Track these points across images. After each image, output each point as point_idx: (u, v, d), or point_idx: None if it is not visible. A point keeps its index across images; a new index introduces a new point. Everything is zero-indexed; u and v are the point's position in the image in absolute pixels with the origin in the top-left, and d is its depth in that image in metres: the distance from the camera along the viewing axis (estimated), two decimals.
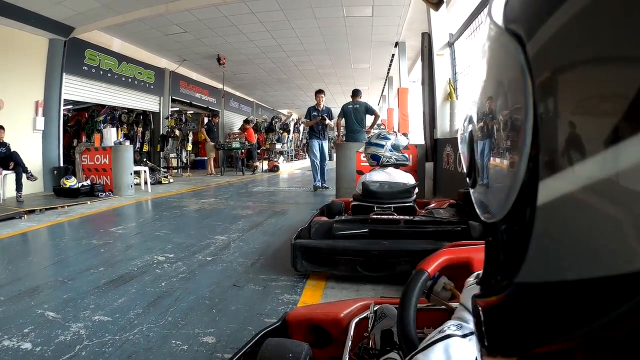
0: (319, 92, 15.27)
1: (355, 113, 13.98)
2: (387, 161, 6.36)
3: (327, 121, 14.88)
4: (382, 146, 6.38)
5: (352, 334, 2.47)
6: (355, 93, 14.37)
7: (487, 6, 0.73)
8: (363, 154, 7.25)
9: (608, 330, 0.45)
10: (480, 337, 0.74)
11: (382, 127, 19.28)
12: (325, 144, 15.03)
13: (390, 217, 5.55)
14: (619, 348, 0.46)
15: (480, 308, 0.74)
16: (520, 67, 0.57)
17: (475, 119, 0.78)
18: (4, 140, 12.11)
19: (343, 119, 14.20)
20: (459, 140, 0.90)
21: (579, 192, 0.48)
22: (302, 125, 35.00)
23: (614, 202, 0.45)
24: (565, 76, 0.52)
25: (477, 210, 0.78)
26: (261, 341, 2.53)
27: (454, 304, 2.20)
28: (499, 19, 0.66)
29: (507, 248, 0.67)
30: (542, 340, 0.57)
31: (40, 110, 14.72)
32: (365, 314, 2.53)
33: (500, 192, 0.65)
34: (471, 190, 0.83)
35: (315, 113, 14.98)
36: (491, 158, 0.71)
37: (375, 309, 2.50)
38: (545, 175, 0.54)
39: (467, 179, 0.84)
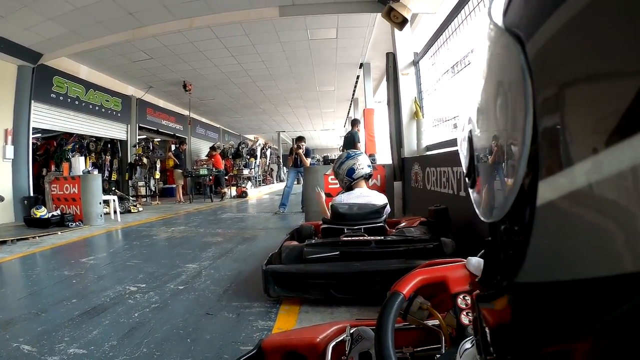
0: (298, 139, 16.32)
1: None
2: (362, 171, 6.35)
3: (302, 157, 15.67)
4: (356, 159, 6.40)
5: (329, 358, 2.48)
6: (353, 123, 16.01)
7: (487, 6, 0.74)
8: (331, 177, 7.20)
9: (608, 330, 0.47)
10: (480, 338, 0.77)
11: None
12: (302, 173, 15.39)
13: (361, 238, 5.54)
14: (619, 348, 0.46)
15: (480, 308, 0.78)
16: (520, 67, 0.58)
17: (474, 119, 0.79)
18: None
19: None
20: (458, 140, 0.91)
21: (578, 193, 0.49)
22: (268, 151, 35.03)
23: (613, 202, 0.45)
24: (565, 76, 0.53)
25: (477, 211, 0.79)
26: None
27: (430, 322, 2.23)
28: (498, 19, 0.67)
29: (507, 248, 0.68)
30: (541, 341, 0.58)
31: (10, 138, 14.58)
32: (341, 337, 2.53)
33: (500, 192, 0.67)
34: (470, 191, 0.84)
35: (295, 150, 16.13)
36: (491, 159, 0.72)
37: (351, 331, 2.50)
38: (544, 176, 0.55)
39: (467, 179, 0.85)
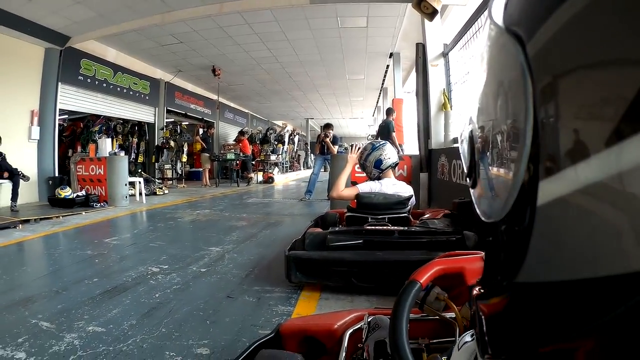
0: (326, 126, 16.24)
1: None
2: (390, 161, 6.29)
3: (330, 144, 15.64)
4: (382, 149, 6.34)
5: (346, 345, 2.46)
6: (388, 112, 16.05)
7: (487, 6, 0.73)
8: (358, 165, 7.17)
9: (608, 330, 0.46)
10: (480, 338, 0.76)
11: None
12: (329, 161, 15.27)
13: (385, 227, 5.52)
14: (619, 348, 0.46)
15: (480, 308, 0.76)
16: (520, 67, 0.58)
17: (475, 119, 0.79)
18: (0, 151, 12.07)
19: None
20: (459, 140, 0.91)
21: (579, 193, 0.49)
22: (296, 137, 35.02)
23: (613, 202, 0.45)
24: (565, 76, 0.52)
25: (477, 211, 0.79)
26: (255, 353, 2.52)
27: (447, 315, 2.21)
28: (499, 19, 0.67)
29: (507, 248, 0.67)
30: (541, 340, 0.57)
31: (36, 119, 14.69)
32: (359, 325, 2.52)
33: (501, 192, 0.66)
34: (471, 191, 0.83)
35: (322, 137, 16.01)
36: (491, 158, 0.71)
37: (369, 320, 2.49)
38: (545, 176, 0.54)
39: (468, 179, 0.84)
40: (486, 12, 0.74)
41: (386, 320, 2.07)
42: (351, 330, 2.54)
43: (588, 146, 0.47)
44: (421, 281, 1.86)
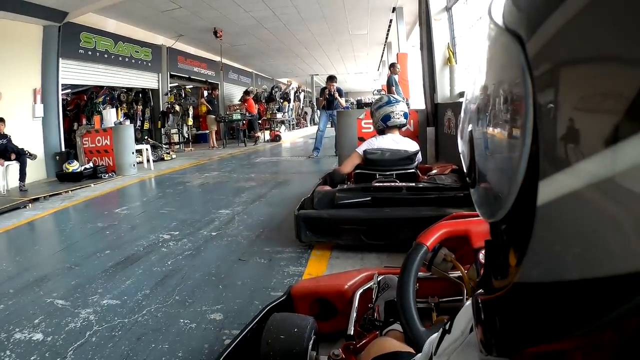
0: (330, 79, 15.96)
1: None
2: (397, 121, 6.29)
3: (338, 97, 15.49)
4: (394, 106, 6.32)
5: (356, 305, 2.48)
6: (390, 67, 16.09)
7: (487, 6, 0.73)
8: (364, 121, 7.10)
9: (607, 330, 0.46)
10: (480, 337, 0.76)
11: (382, 92, 19.19)
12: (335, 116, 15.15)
13: (393, 184, 5.54)
14: (618, 349, 0.46)
15: (481, 307, 0.76)
16: (520, 67, 0.57)
17: (475, 119, 0.78)
18: (5, 132, 12.13)
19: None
20: (458, 139, 0.90)
21: (579, 192, 0.48)
22: (302, 94, 34.91)
23: (614, 202, 0.44)
24: (565, 76, 0.52)
25: (477, 210, 0.78)
26: (267, 316, 2.55)
27: (454, 274, 2.22)
28: (498, 18, 0.67)
29: (507, 248, 0.67)
30: (540, 340, 0.57)
31: (39, 97, 14.65)
32: (369, 285, 2.54)
33: (500, 192, 0.65)
34: (471, 190, 0.82)
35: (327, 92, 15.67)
36: (491, 157, 0.72)
37: (378, 279, 2.51)
38: (545, 175, 0.54)
39: (467, 179, 0.83)
40: (486, 10, 0.73)
41: (395, 279, 2.09)
42: (361, 291, 2.57)
43: (588, 146, 0.47)
44: (427, 244, 1.87)
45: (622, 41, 0.44)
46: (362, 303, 2.53)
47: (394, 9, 18.54)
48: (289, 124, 31.08)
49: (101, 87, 19.33)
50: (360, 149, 6.22)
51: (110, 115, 14.70)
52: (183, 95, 22.76)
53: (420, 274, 2.04)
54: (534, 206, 0.55)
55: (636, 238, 0.42)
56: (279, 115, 27.80)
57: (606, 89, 0.46)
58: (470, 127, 0.80)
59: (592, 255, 0.47)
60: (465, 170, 0.84)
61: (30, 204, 9.78)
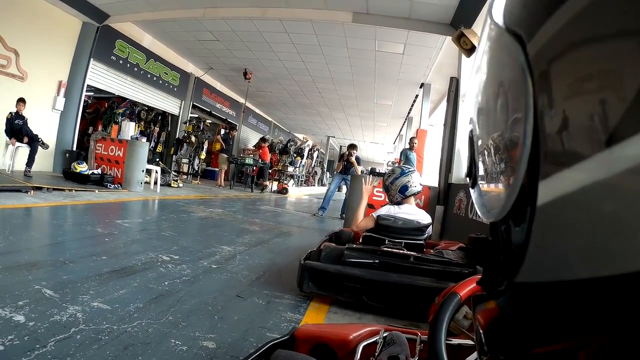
0: (351, 146, 16.31)
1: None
2: (414, 189, 6.30)
3: (355, 164, 15.81)
4: (410, 176, 6.35)
5: (359, 357, 2.44)
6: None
7: (488, 6, 0.75)
8: (377, 189, 7.12)
9: (607, 330, 0.46)
10: (479, 338, 0.77)
11: (395, 164, 19.39)
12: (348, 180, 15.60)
13: (401, 251, 5.53)
14: (618, 348, 0.46)
15: (480, 308, 0.78)
16: (520, 67, 0.59)
17: (475, 119, 0.81)
18: (23, 114, 12.23)
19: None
20: None
21: (578, 193, 0.50)
22: (316, 153, 35.26)
23: (613, 202, 0.46)
24: (566, 76, 0.53)
25: (478, 210, 0.82)
26: (269, 351, 2.50)
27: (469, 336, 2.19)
28: (499, 19, 0.69)
29: (507, 248, 0.68)
30: (540, 340, 0.57)
31: (62, 90, 14.93)
32: (374, 339, 2.50)
33: (501, 192, 0.68)
34: (471, 190, 0.86)
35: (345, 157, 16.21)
36: (491, 158, 0.73)
37: (384, 335, 2.47)
38: (545, 176, 0.55)
39: (467, 179, 0.87)
40: (486, 10, 0.76)
41: (402, 337, 2.07)
42: (365, 343, 2.52)
43: (588, 146, 0.48)
44: (461, 294, 1.84)
45: (622, 41, 0.46)
46: (364, 355, 2.49)
47: (422, 85, 18.95)
48: (298, 180, 31.38)
49: (124, 99, 19.72)
50: (376, 214, 6.22)
51: (129, 128, 14.89)
52: (201, 127, 23.20)
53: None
54: (534, 206, 0.57)
55: (635, 238, 0.43)
56: (290, 169, 28.13)
57: (606, 89, 0.47)
58: (471, 127, 0.84)
59: (592, 255, 0.48)
60: (465, 171, 0.88)
61: (32, 191, 9.89)
